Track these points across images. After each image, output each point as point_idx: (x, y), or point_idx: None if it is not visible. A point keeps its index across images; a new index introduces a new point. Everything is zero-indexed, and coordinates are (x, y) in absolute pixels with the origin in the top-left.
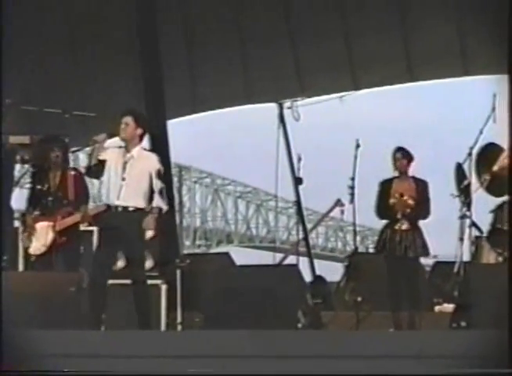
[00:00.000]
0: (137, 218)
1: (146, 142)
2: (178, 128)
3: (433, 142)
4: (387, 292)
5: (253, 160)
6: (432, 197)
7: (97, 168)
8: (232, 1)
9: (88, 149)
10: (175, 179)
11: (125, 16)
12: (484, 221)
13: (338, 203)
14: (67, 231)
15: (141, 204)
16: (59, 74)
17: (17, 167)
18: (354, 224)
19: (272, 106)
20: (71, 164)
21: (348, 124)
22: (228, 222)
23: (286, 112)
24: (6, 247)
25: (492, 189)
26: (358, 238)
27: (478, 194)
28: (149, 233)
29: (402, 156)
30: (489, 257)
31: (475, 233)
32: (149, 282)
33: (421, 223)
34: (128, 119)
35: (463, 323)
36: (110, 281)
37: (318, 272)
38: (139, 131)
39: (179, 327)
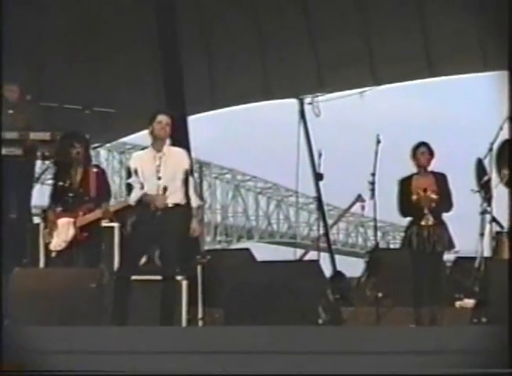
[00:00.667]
0: (177, 213)
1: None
2: (199, 125)
3: (453, 137)
4: (408, 288)
5: (273, 156)
6: (453, 192)
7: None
8: None
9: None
10: (196, 175)
11: (145, 14)
12: (505, 216)
13: (359, 198)
14: (88, 227)
15: (179, 199)
16: (79, 71)
17: (38, 163)
18: (375, 219)
19: (293, 102)
20: (94, 161)
21: (369, 119)
22: (249, 217)
23: (307, 108)
24: (27, 243)
25: None
26: (379, 234)
27: (499, 189)
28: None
29: (424, 151)
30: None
31: (496, 228)
32: None
33: (445, 217)
34: (166, 118)
35: (484, 319)
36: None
37: (339, 268)
38: (172, 129)
39: (200, 323)
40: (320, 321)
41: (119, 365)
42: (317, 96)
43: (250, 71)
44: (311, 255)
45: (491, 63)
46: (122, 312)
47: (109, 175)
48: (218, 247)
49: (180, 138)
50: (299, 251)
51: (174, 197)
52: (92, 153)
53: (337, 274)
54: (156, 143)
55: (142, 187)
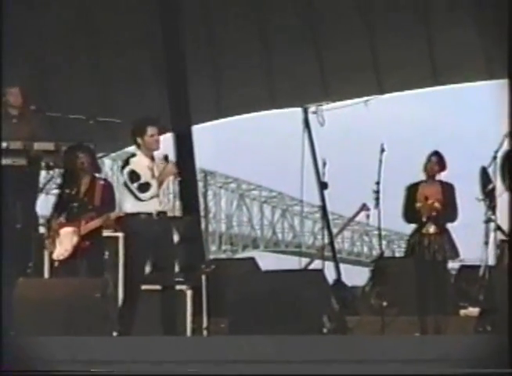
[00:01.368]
0: (170, 222)
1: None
2: (204, 134)
3: (457, 145)
4: (413, 297)
5: (278, 165)
6: (458, 200)
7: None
8: (256, 7)
9: None
10: (201, 185)
11: (150, 22)
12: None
13: (364, 207)
14: (91, 236)
15: (170, 207)
16: (83, 80)
17: (42, 173)
18: (379, 228)
19: (297, 111)
20: (101, 171)
21: (373, 128)
22: (254, 227)
23: (311, 117)
24: (31, 253)
25: None
26: (383, 242)
27: (503, 198)
28: (175, 238)
29: (436, 161)
30: None
31: (500, 236)
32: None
33: (449, 227)
34: (156, 129)
35: (489, 328)
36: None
37: (343, 277)
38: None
39: (205, 333)
40: (325, 330)
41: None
42: (321, 105)
43: (255, 80)
44: (316, 264)
45: (495, 71)
46: (131, 322)
47: (115, 185)
48: (222, 256)
49: (185, 147)
50: (304, 260)
51: (167, 205)
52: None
53: (342, 283)
54: (148, 154)
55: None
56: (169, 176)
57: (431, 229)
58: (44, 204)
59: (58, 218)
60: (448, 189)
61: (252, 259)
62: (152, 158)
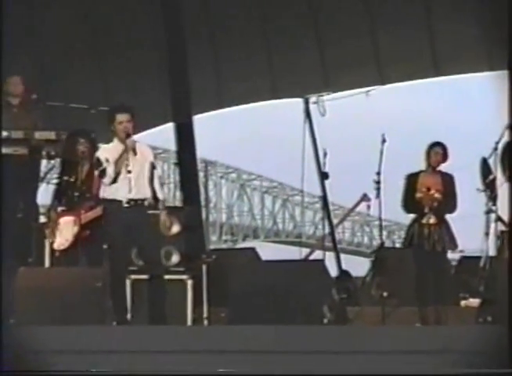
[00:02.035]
0: (147, 211)
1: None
2: (205, 124)
3: (458, 136)
4: (413, 287)
5: (279, 155)
6: (458, 191)
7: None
8: None
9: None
10: (201, 174)
11: (152, 12)
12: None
13: (364, 198)
14: (90, 225)
15: (147, 195)
16: (85, 70)
17: (43, 163)
18: (380, 219)
19: (298, 101)
20: None
21: (374, 118)
22: (255, 217)
23: (312, 107)
24: (32, 243)
25: None
26: (384, 233)
27: (504, 189)
28: (175, 228)
29: (439, 152)
30: None
31: (501, 227)
32: (175, 277)
33: (448, 217)
34: (127, 116)
35: (489, 318)
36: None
37: (344, 267)
38: (133, 124)
39: (205, 323)
40: (325, 321)
41: (123, 364)
42: (322, 96)
43: (256, 71)
44: (317, 255)
45: (496, 62)
46: (119, 312)
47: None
48: (223, 246)
49: (186, 137)
50: (304, 251)
51: (144, 192)
52: None
53: (343, 273)
54: (122, 140)
55: (114, 180)
56: (132, 166)
57: (431, 219)
58: (45, 194)
59: (58, 207)
60: (448, 180)
61: (252, 249)
62: (126, 145)
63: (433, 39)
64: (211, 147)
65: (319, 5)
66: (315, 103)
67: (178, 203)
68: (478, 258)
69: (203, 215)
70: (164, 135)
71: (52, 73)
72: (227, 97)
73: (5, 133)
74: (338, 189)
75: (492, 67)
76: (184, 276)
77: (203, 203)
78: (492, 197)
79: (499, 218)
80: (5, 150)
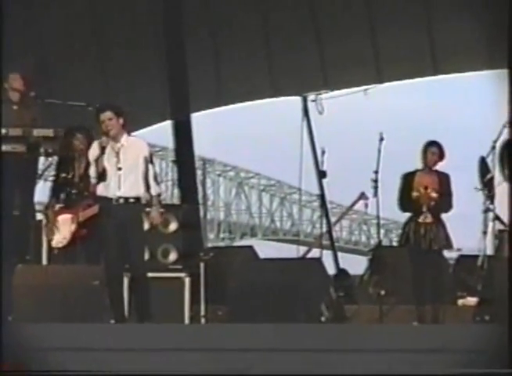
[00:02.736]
0: (139, 209)
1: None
2: (203, 121)
3: (456, 135)
4: (411, 285)
5: (277, 153)
6: (456, 190)
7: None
8: None
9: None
10: (199, 172)
11: (151, 10)
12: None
13: (362, 196)
14: (88, 223)
15: (141, 192)
16: (83, 68)
17: (41, 160)
18: (378, 217)
19: (296, 100)
20: None
21: (372, 117)
22: (252, 215)
23: (311, 105)
24: (30, 240)
25: None
26: (382, 231)
27: (502, 188)
28: (173, 226)
29: (435, 151)
30: None
31: (499, 226)
32: (173, 275)
33: (444, 216)
34: (109, 114)
35: (487, 317)
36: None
37: (341, 266)
38: (121, 121)
39: (203, 321)
40: (323, 319)
41: (121, 363)
42: (320, 94)
43: (254, 69)
44: (314, 253)
45: (495, 61)
46: (116, 310)
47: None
48: (221, 244)
49: (184, 135)
50: (302, 249)
51: (136, 189)
52: None
53: (341, 272)
54: (112, 137)
55: (101, 178)
56: (123, 163)
57: (428, 218)
58: (43, 191)
59: (55, 205)
60: (444, 180)
61: (250, 247)
62: (115, 143)
63: (431, 38)
64: (209, 145)
65: (318, 4)
66: (313, 101)
67: (175, 201)
68: (476, 256)
69: (201, 213)
70: (162, 132)
71: (50, 71)
72: (225, 95)
73: (3, 130)
74: (336, 188)
75: (490, 66)
76: (182, 274)
77: (200, 201)
78: (490, 196)
79: (496, 217)
80: (3, 148)
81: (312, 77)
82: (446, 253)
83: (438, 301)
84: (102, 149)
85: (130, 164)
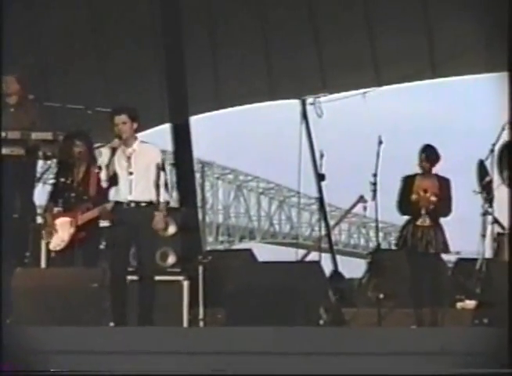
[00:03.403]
0: (150, 213)
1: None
2: (201, 124)
3: (455, 138)
4: (410, 289)
5: (276, 156)
6: (455, 193)
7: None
8: None
9: None
10: (198, 175)
11: (149, 12)
12: (507, 217)
13: (361, 199)
14: (87, 226)
15: (152, 197)
16: (82, 70)
17: (40, 163)
18: (376, 220)
19: (295, 103)
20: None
21: (371, 120)
22: (251, 218)
23: (309, 108)
24: (29, 243)
25: None
26: (380, 235)
27: (500, 191)
28: (172, 229)
29: (430, 155)
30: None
31: (497, 229)
32: (171, 278)
33: (443, 219)
34: (124, 117)
35: (485, 320)
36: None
37: (340, 269)
38: (135, 125)
39: (201, 324)
40: (321, 322)
41: (119, 365)
42: (319, 97)
43: (253, 72)
44: (313, 256)
45: (494, 64)
46: (117, 313)
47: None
48: (219, 247)
49: (183, 138)
50: (301, 252)
51: (148, 195)
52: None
53: (339, 275)
54: (124, 141)
55: (112, 183)
56: (134, 168)
57: (426, 221)
58: (41, 194)
59: (54, 208)
60: (444, 184)
61: (249, 250)
62: (126, 147)
63: (431, 40)
64: (208, 148)
65: (317, 5)
66: (312, 104)
67: (174, 204)
68: (475, 260)
69: (200, 216)
70: (161, 135)
71: (49, 73)
72: (224, 98)
73: (2, 133)
74: (335, 191)
75: (490, 69)
76: (180, 277)
77: (199, 204)
78: (489, 199)
79: (495, 221)
80: (2, 151)
81: (311, 80)
82: (445, 256)
83: (437, 304)
84: (113, 151)
85: (142, 169)
